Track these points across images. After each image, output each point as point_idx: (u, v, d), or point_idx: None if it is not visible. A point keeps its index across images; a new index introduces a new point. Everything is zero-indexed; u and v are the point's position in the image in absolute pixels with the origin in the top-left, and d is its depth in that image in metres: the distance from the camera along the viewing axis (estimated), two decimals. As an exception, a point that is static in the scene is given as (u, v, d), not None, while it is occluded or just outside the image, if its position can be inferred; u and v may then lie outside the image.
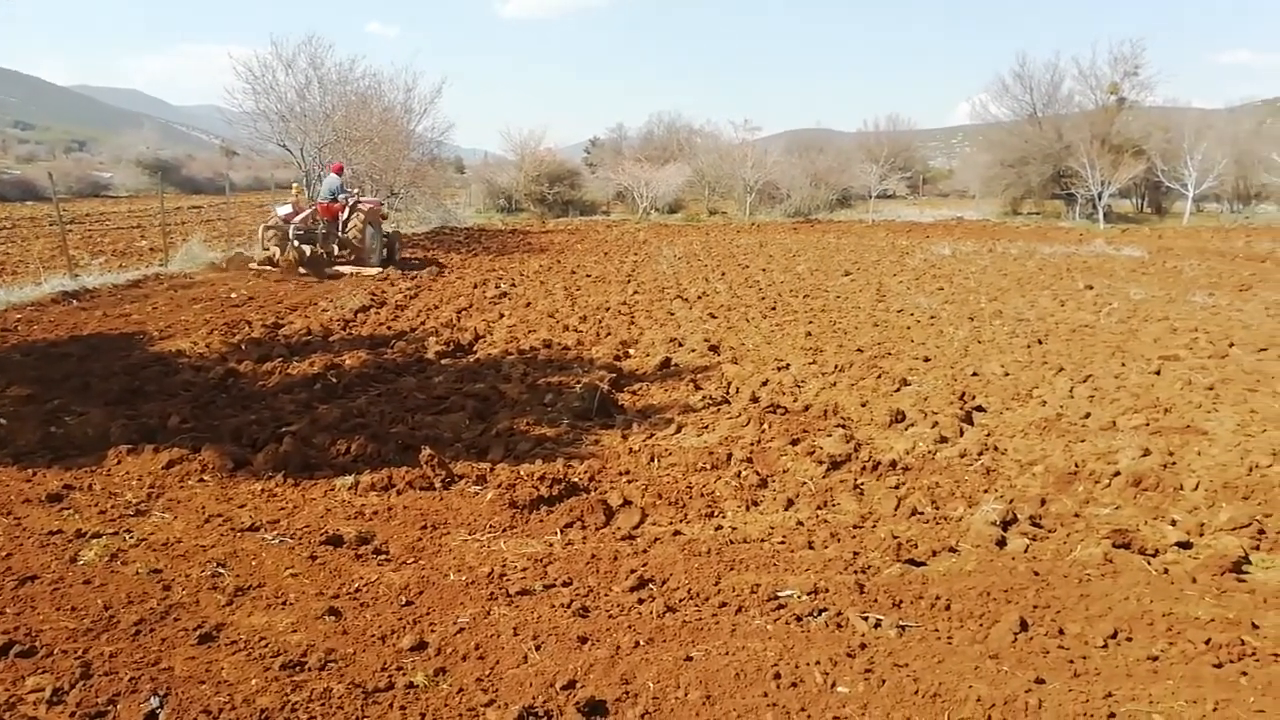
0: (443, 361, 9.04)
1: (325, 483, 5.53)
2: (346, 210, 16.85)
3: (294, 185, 19.29)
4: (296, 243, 15.96)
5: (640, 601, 4.06)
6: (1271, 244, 25.40)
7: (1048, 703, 3.24)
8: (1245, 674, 3.51)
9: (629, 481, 5.63)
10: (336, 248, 16.66)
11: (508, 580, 4.24)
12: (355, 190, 18.61)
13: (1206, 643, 3.69)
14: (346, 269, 16.50)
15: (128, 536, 4.57)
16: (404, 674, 3.39)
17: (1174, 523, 5.04)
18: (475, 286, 15.18)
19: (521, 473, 5.57)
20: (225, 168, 54.28)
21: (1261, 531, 4.93)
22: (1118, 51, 37.64)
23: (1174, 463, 6.13)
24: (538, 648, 3.63)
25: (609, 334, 10.78)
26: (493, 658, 3.54)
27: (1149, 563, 4.51)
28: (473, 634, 3.71)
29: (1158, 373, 8.85)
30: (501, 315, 12.13)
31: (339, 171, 17.71)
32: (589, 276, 17.02)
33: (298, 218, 16.16)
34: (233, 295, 13.35)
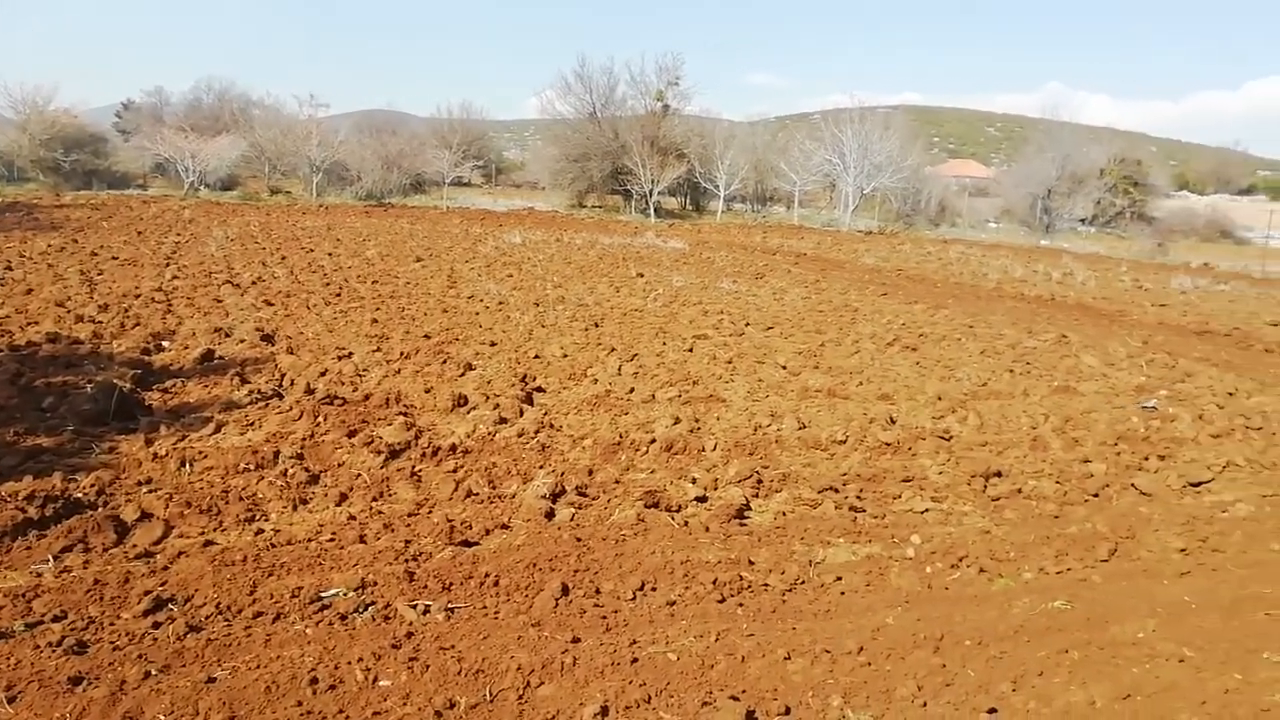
0: (-104, 362, 7.14)
1: None
2: None
3: None
4: None
5: (156, 625, 3.55)
6: (780, 240, 30.38)
7: (581, 659, 3.44)
8: (742, 605, 4.07)
9: (150, 491, 4.90)
10: None
11: (-29, 627, 3.43)
12: None
13: (714, 583, 4.22)
14: None
15: None
16: None
17: (694, 480, 5.71)
18: (-46, 270, 12.27)
19: (3, 493, 4.58)
20: None
21: (760, 481, 5.79)
22: (663, 62, 42.23)
23: (699, 428, 6.96)
24: (12, 700, 2.98)
25: (137, 325, 9.37)
26: (-61, 728, 2.83)
27: (673, 518, 5.05)
28: (-90, 703, 2.93)
29: (691, 350, 10.02)
30: (-9, 305, 9.94)
31: None
32: (115, 259, 14.68)
33: None
34: None
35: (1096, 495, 5.91)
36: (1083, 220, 42.06)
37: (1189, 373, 10.09)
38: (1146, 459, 6.66)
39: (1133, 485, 6.08)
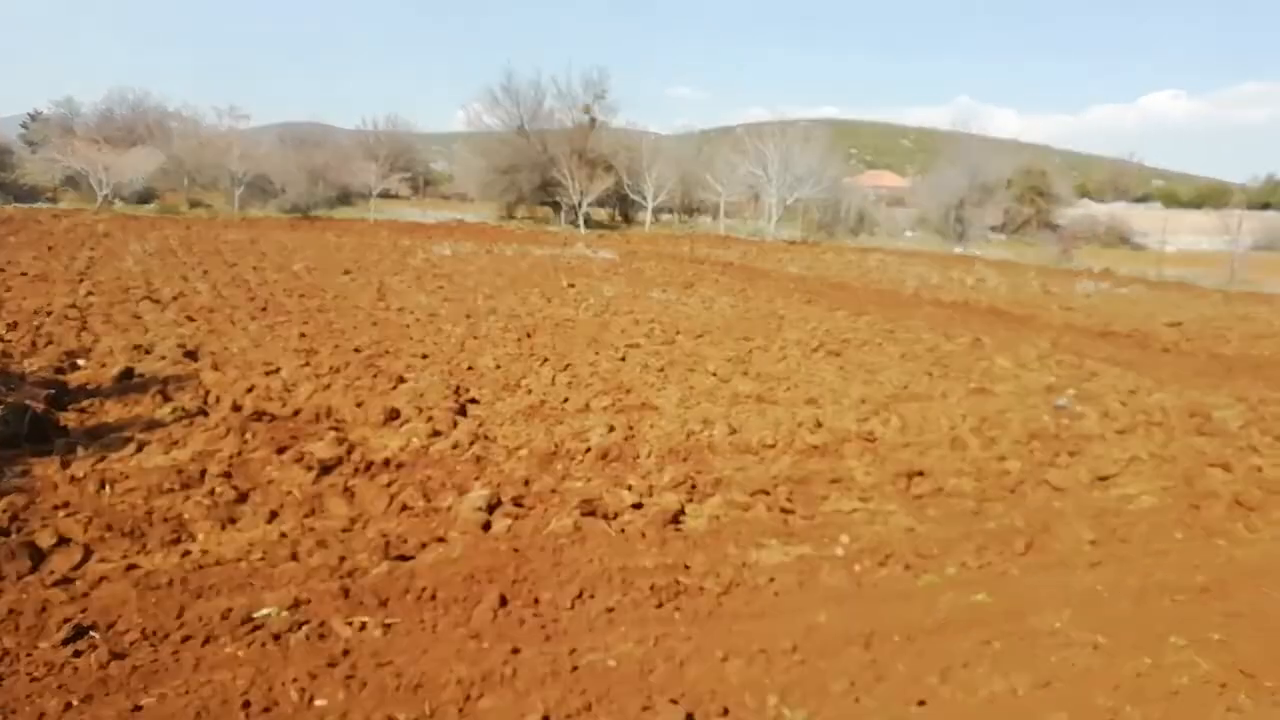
0: None
1: None
2: None
3: None
4: None
5: (76, 654, 3.44)
6: (707, 249, 30.76)
7: (521, 669, 3.46)
8: (679, 609, 4.14)
9: (68, 515, 4.73)
10: None
11: (-126, 665, 3.28)
12: None
13: (651, 588, 4.28)
14: None
15: None
16: None
17: (630, 487, 5.76)
18: None
19: (-94, 523, 4.38)
20: None
21: (694, 486, 5.88)
22: (589, 76, 42.45)
23: (633, 435, 7.02)
24: (-78, 741, 2.86)
25: (50, 343, 9.02)
26: None
27: (610, 525, 5.09)
28: None
29: (623, 359, 10.09)
30: (-113, 325, 9.45)
31: None
32: (24, 275, 14.08)
33: None
34: None
35: (1013, 491, 6.16)
36: (993, 228, 43.68)
37: (1094, 372, 10.57)
38: (1058, 455, 6.97)
39: (1046, 481, 6.35)
